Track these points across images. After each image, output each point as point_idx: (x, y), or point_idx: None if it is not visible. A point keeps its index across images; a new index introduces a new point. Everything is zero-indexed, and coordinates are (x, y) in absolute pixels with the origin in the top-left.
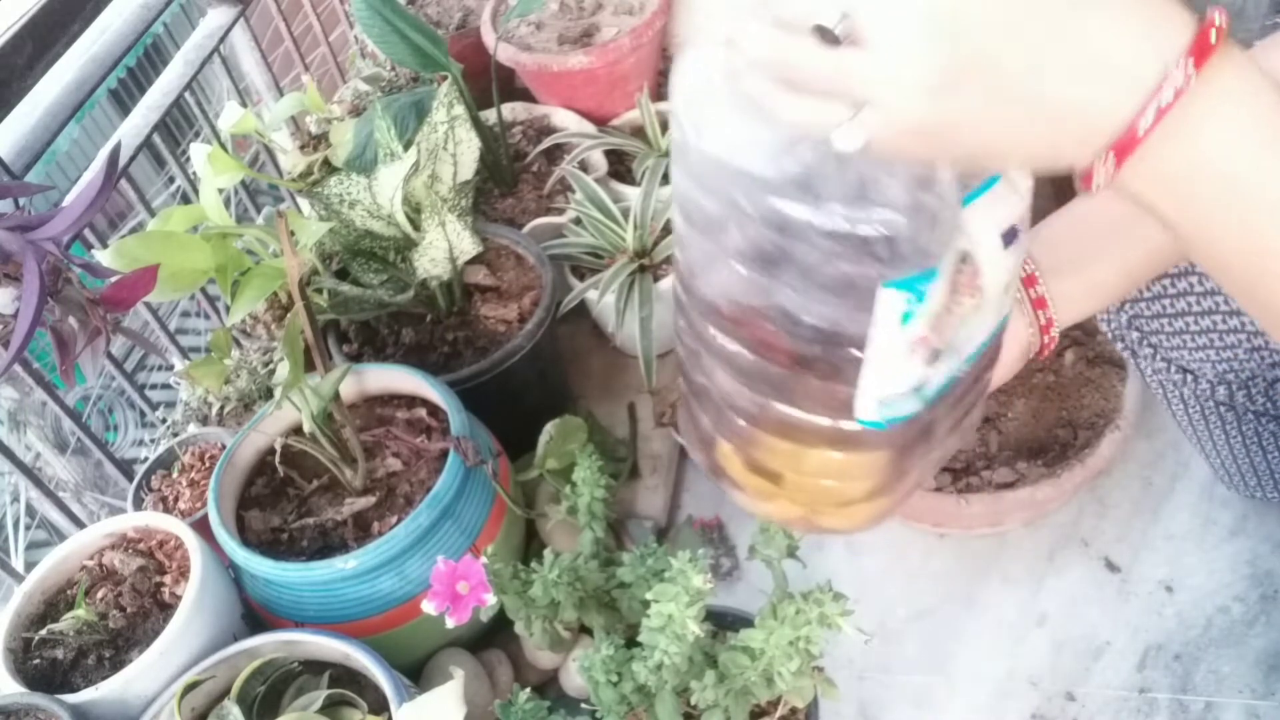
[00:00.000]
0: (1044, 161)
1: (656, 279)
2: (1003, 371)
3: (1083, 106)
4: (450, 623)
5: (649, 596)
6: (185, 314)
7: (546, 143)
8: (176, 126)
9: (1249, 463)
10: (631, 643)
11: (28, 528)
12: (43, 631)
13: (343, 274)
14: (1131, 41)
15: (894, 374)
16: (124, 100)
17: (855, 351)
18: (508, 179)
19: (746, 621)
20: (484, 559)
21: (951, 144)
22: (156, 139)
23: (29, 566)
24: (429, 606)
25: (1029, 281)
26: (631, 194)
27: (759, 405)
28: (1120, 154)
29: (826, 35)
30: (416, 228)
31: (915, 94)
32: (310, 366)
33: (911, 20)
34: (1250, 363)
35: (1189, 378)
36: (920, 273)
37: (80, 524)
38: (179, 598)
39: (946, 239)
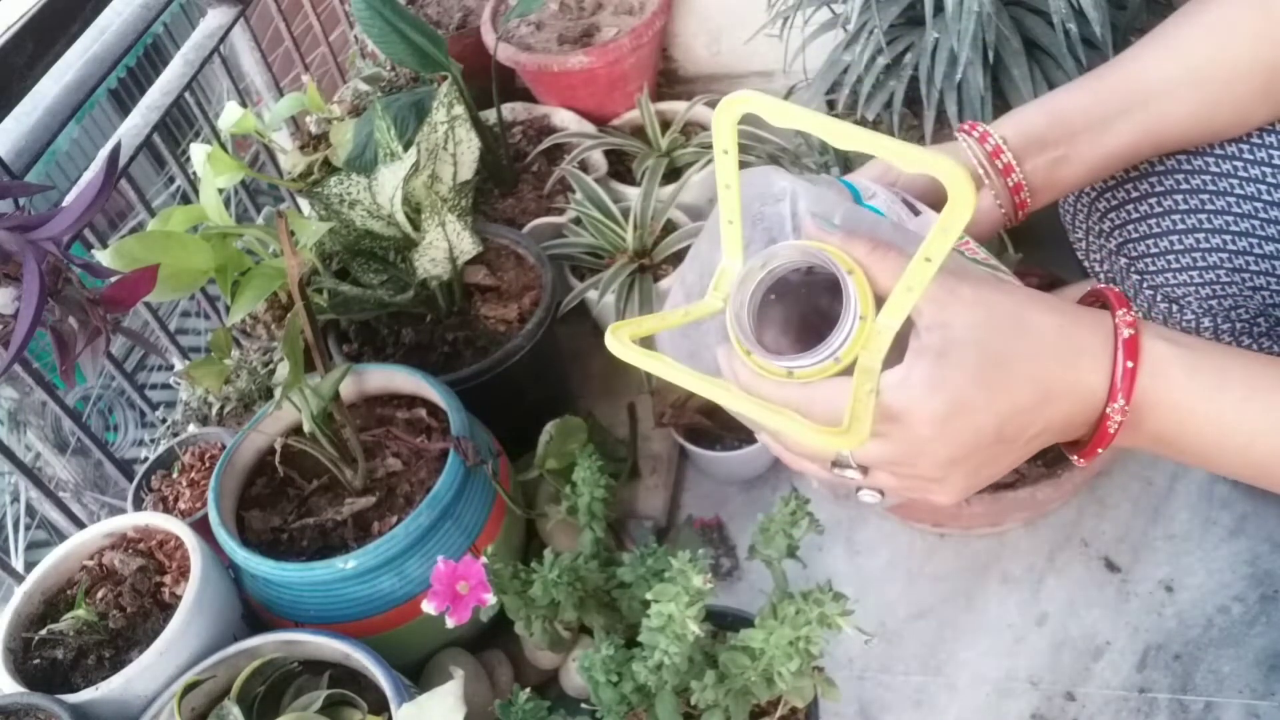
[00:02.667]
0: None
1: (656, 279)
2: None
3: (1062, 448)
4: (450, 623)
5: (649, 596)
6: (185, 314)
7: (546, 143)
8: (176, 126)
9: None
10: (631, 643)
11: (28, 528)
12: (43, 631)
13: (343, 274)
14: (1082, 405)
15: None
16: (124, 100)
17: None
18: (508, 179)
19: (746, 621)
20: (484, 559)
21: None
22: (156, 139)
23: (29, 566)
24: (429, 606)
25: (995, 153)
26: (631, 194)
27: None
28: (1087, 458)
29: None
30: (416, 228)
31: (943, 500)
32: (310, 366)
33: (932, 469)
34: (1232, 287)
35: (1175, 309)
36: None
37: (80, 524)
38: (179, 598)
39: None
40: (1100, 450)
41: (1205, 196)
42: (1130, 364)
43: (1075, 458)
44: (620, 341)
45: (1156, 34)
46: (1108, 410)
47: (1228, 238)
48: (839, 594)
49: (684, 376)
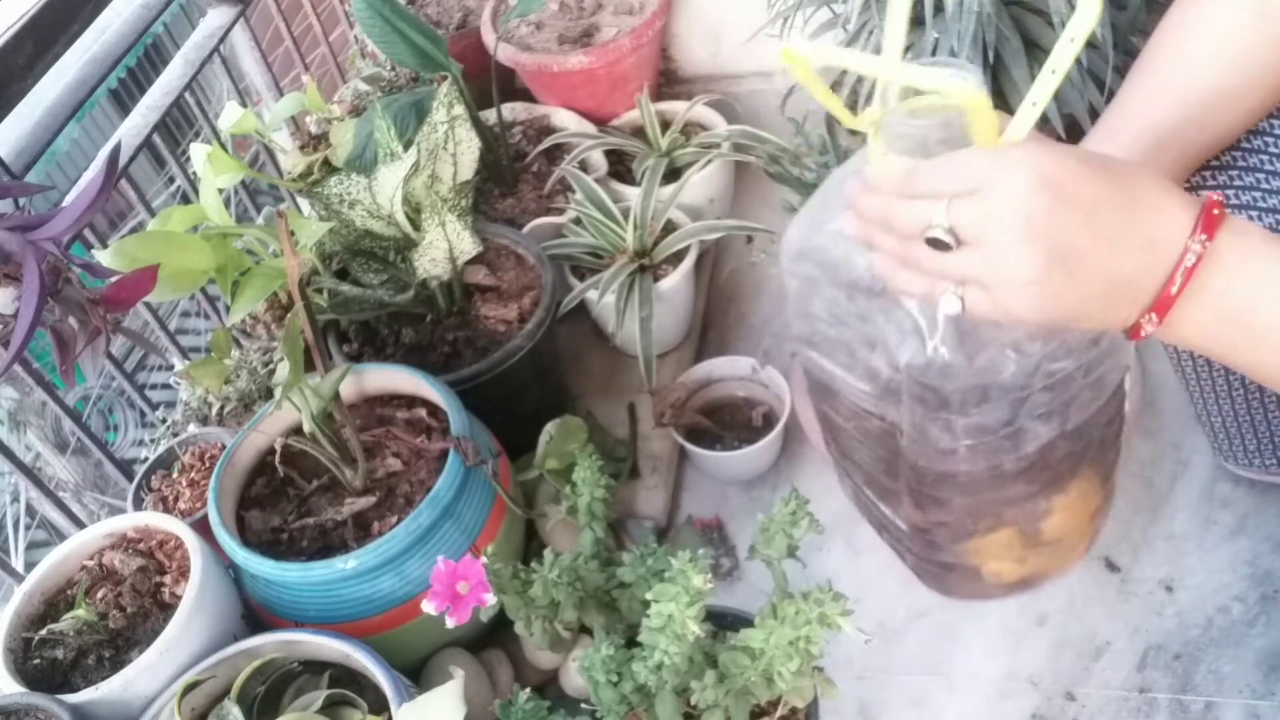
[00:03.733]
0: (1103, 324)
1: (656, 279)
2: None
3: (1137, 279)
4: (450, 623)
5: (649, 596)
6: (185, 314)
7: (546, 143)
8: (176, 126)
9: (1249, 420)
10: (631, 643)
11: (28, 528)
12: (43, 631)
13: (343, 274)
14: (1164, 228)
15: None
16: (124, 100)
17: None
18: (508, 179)
19: (746, 621)
20: (484, 559)
21: (1042, 315)
22: (156, 139)
23: (29, 566)
24: (429, 606)
25: None
26: (631, 194)
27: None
28: (1160, 312)
29: (939, 245)
30: (416, 228)
31: (1019, 285)
32: (310, 366)
33: (1013, 229)
34: None
35: None
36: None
37: (80, 524)
38: (179, 598)
39: None
40: (1174, 292)
41: (1262, 175)
42: (1216, 211)
43: (1150, 317)
44: (795, 55)
45: (1139, 76)
46: (1188, 242)
47: None
48: (839, 594)
49: (854, 59)
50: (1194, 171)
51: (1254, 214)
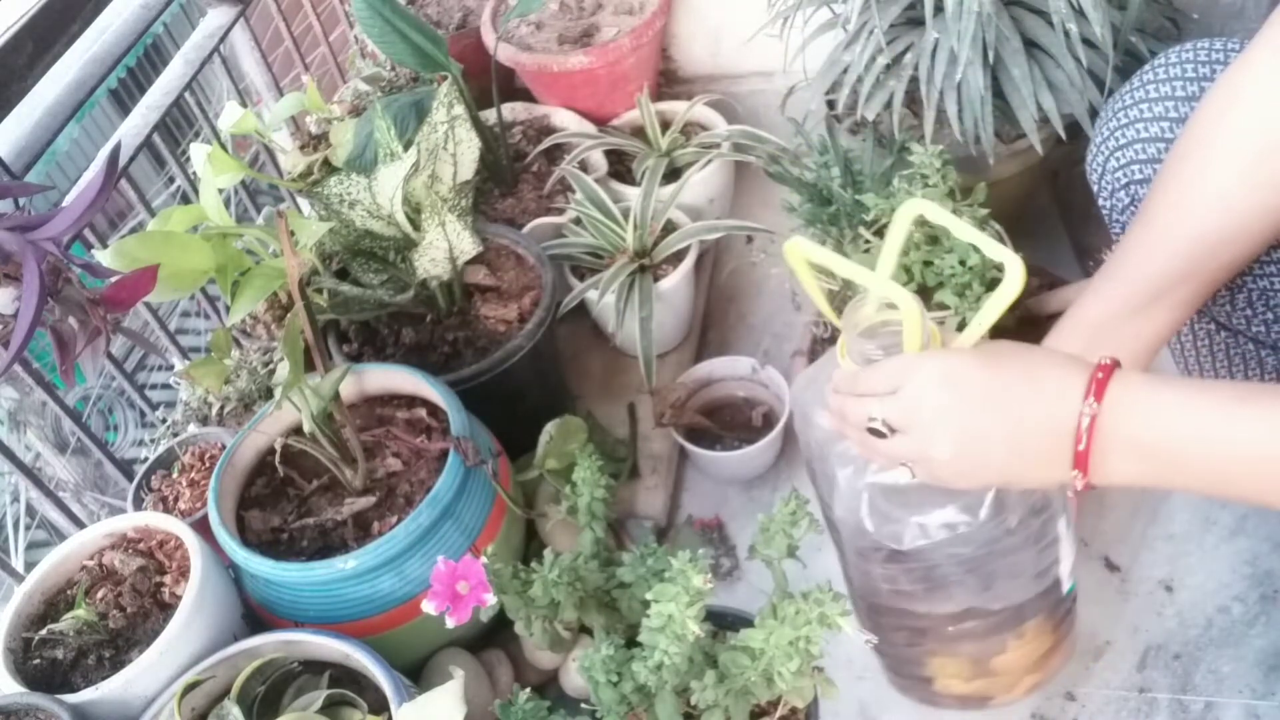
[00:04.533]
0: (1037, 484)
1: (656, 279)
2: None
3: (1048, 446)
4: (450, 623)
5: (649, 596)
6: (185, 314)
7: (546, 143)
8: (176, 126)
9: (1212, 372)
10: (631, 643)
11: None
12: (43, 631)
13: (343, 274)
14: (1059, 400)
15: (1069, 555)
16: (124, 100)
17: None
18: (508, 179)
19: (746, 622)
20: (484, 559)
21: (970, 483)
22: (156, 139)
23: (29, 566)
24: (429, 606)
25: None
26: (631, 194)
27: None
28: (1081, 468)
29: (876, 432)
30: (416, 228)
31: (941, 463)
32: (310, 366)
33: (924, 419)
34: None
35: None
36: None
37: (80, 524)
38: (179, 598)
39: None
40: (1082, 449)
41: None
42: (1101, 375)
43: (1075, 474)
44: (796, 251)
45: (1139, 227)
46: (1081, 408)
47: None
48: (839, 594)
49: (839, 263)
50: (1203, 302)
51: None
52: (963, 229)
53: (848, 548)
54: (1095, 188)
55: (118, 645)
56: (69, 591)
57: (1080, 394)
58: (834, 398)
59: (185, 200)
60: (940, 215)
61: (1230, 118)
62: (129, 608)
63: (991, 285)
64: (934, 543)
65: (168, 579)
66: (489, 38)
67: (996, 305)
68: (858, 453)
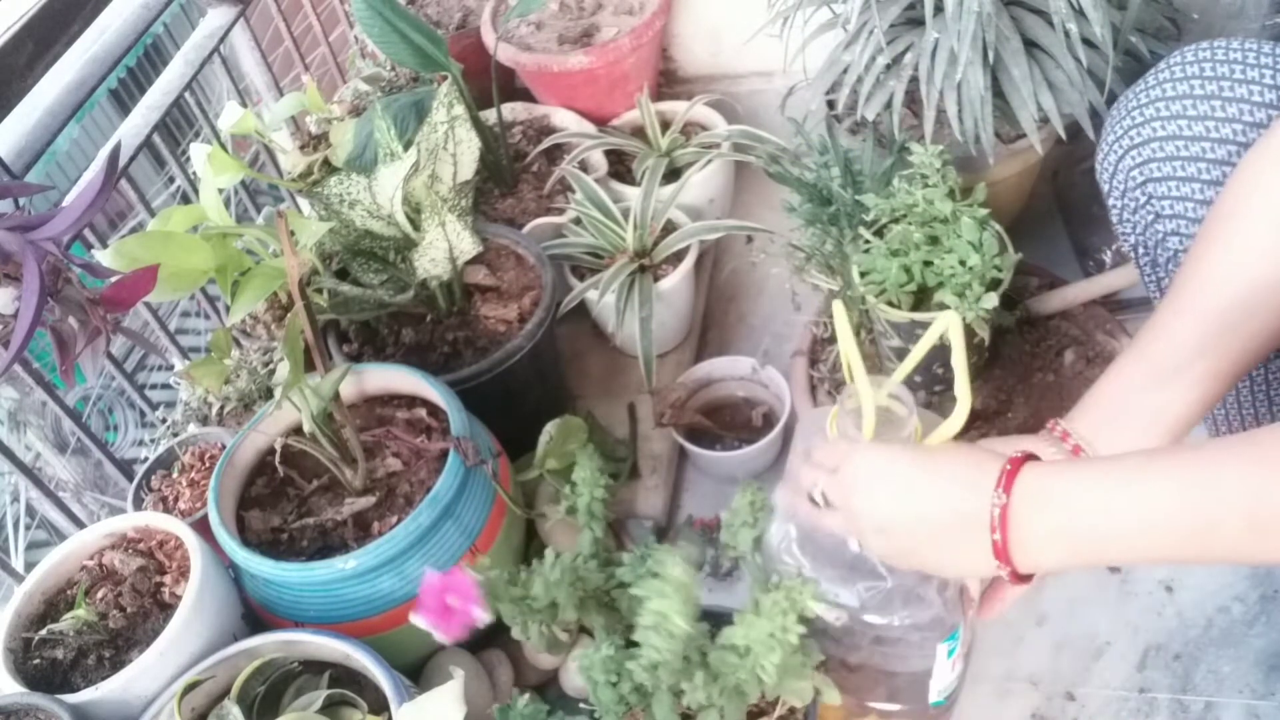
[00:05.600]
0: (962, 573)
1: (656, 279)
2: None
3: (966, 536)
4: (440, 638)
5: (637, 593)
6: (185, 314)
7: (546, 143)
8: (176, 126)
9: (1253, 413)
10: (631, 643)
11: (28, 528)
12: (43, 631)
13: (343, 274)
14: (971, 492)
15: (945, 677)
16: (124, 100)
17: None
18: (508, 179)
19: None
20: (476, 570)
21: (900, 563)
22: (156, 139)
23: (29, 566)
24: (418, 620)
25: (1064, 436)
26: (631, 194)
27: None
28: (1001, 559)
29: (817, 504)
30: (416, 228)
31: (869, 539)
32: (310, 366)
33: (849, 502)
34: None
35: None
36: (953, 632)
37: (80, 524)
38: (179, 598)
39: (961, 615)
40: (999, 539)
41: None
42: (1010, 466)
43: (998, 564)
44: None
45: (1177, 306)
46: (992, 498)
47: None
48: (808, 579)
49: (850, 345)
50: (1233, 381)
51: None
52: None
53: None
54: (1105, 188)
55: (118, 645)
56: (69, 591)
57: (990, 486)
58: (794, 459)
59: (185, 200)
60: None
61: (1259, 190)
62: (129, 608)
63: (993, 285)
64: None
65: (168, 579)
66: (489, 38)
67: (962, 367)
68: (801, 513)
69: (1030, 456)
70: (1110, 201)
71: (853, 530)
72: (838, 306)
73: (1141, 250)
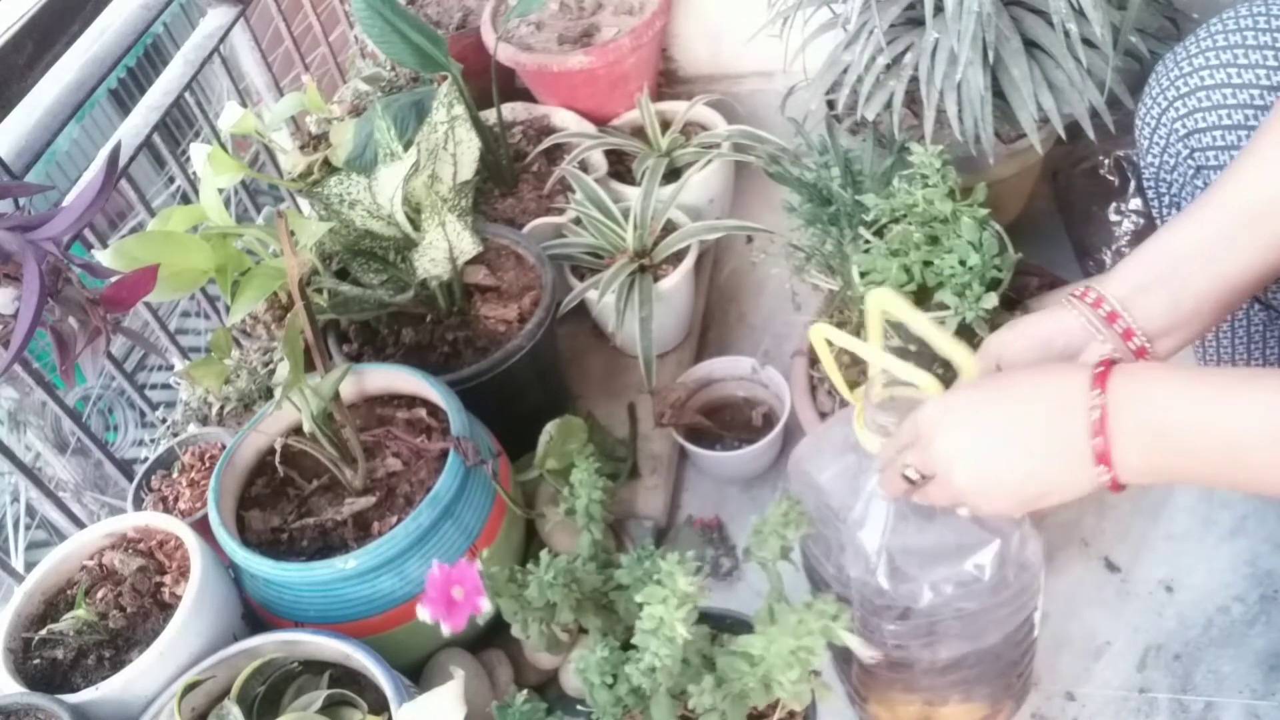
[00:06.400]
0: (1071, 490)
1: (656, 279)
2: None
3: (1064, 448)
4: (445, 630)
5: (638, 599)
6: (185, 314)
7: (546, 143)
8: (176, 126)
9: (1245, 351)
10: (628, 645)
11: (28, 528)
12: (43, 631)
13: (343, 274)
14: (1064, 398)
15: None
16: (124, 100)
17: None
18: (508, 179)
19: (745, 623)
20: (479, 564)
21: (1007, 505)
22: (156, 139)
23: (29, 566)
24: (423, 614)
25: (1111, 317)
26: (631, 194)
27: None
28: (1104, 462)
29: (912, 481)
30: (416, 228)
31: (971, 494)
32: (310, 366)
33: (941, 460)
34: None
35: None
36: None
37: (80, 524)
38: (179, 598)
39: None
40: (1101, 441)
41: None
42: (1100, 369)
43: (1100, 469)
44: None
45: (1251, 151)
46: (1088, 399)
47: None
48: (843, 606)
49: (857, 345)
50: None
51: None
52: (922, 325)
53: (859, 608)
54: (1144, 143)
55: (118, 645)
56: (69, 591)
57: (1085, 388)
58: (880, 473)
59: (185, 200)
60: (901, 310)
61: None
62: (129, 608)
63: (993, 285)
64: (945, 599)
65: (168, 579)
66: (489, 38)
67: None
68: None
69: (1113, 362)
70: (1147, 160)
71: (951, 489)
72: (815, 332)
73: (1173, 212)
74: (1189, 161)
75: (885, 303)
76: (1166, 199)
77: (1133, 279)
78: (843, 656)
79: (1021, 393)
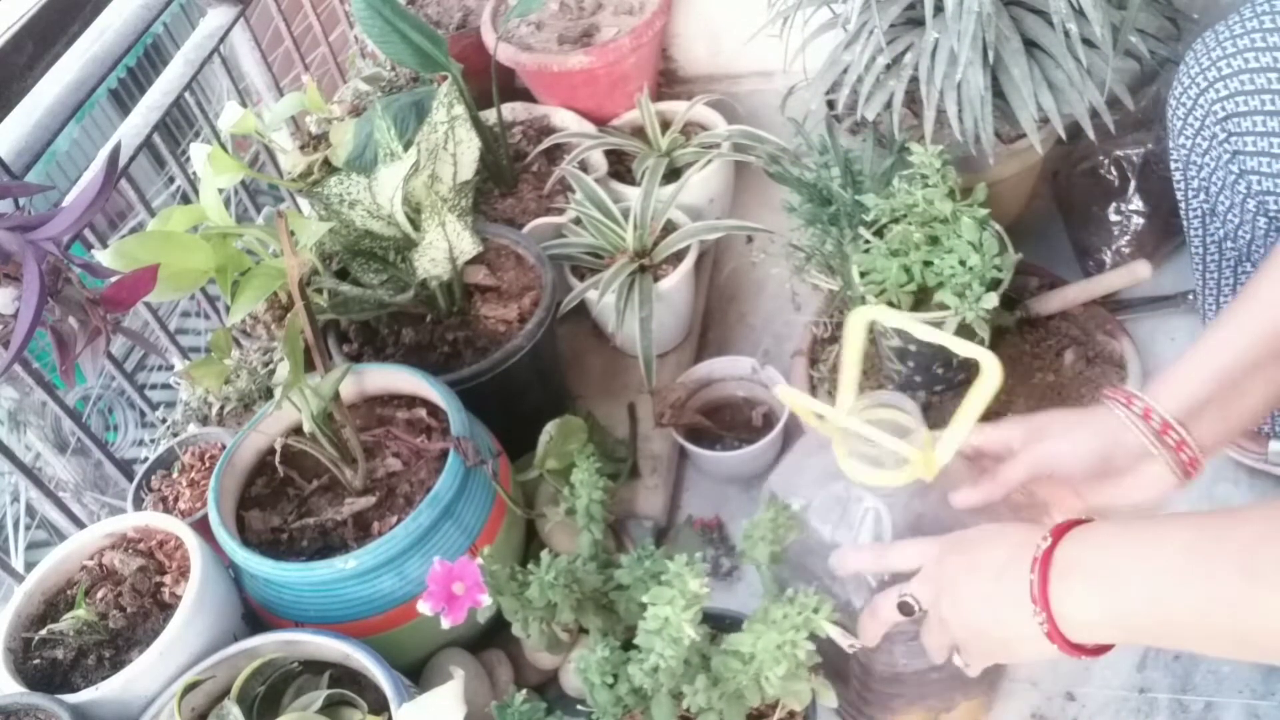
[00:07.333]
0: (1029, 646)
1: (656, 279)
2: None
3: (1017, 607)
4: (445, 624)
5: (645, 600)
6: (185, 314)
7: (546, 143)
8: (176, 126)
9: None
10: (628, 645)
11: (28, 528)
12: (43, 631)
13: (343, 274)
14: (1020, 553)
15: None
16: (124, 100)
17: None
18: (508, 179)
19: (743, 624)
20: (480, 560)
21: (984, 651)
22: (156, 139)
23: (29, 566)
24: (424, 607)
25: (1164, 429)
26: (631, 194)
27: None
28: (1044, 605)
29: (910, 611)
30: (416, 228)
31: (939, 650)
32: (310, 366)
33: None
34: None
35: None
36: None
37: (80, 524)
38: (179, 598)
39: None
40: (1036, 579)
41: None
42: (1045, 543)
43: (1037, 612)
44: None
45: None
46: (1038, 541)
47: None
48: (825, 597)
49: (909, 322)
50: None
51: None
52: (922, 330)
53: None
54: (1176, 125)
55: (118, 645)
56: (69, 591)
57: (1039, 534)
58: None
59: (185, 200)
60: (894, 318)
61: None
62: (129, 608)
63: (993, 285)
64: None
65: (168, 579)
66: (489, 38)
67: (975, 405)
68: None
69: (1066, 529)
70: (1179, 142)
71: (946, 632)
72: (858, 315)
73: (1201, 198)
74: (1225, 145)
75: (877, 315)
76: (1195, 183)
77: (1186, 395)
78: (840, 678)
79: (994, 541)
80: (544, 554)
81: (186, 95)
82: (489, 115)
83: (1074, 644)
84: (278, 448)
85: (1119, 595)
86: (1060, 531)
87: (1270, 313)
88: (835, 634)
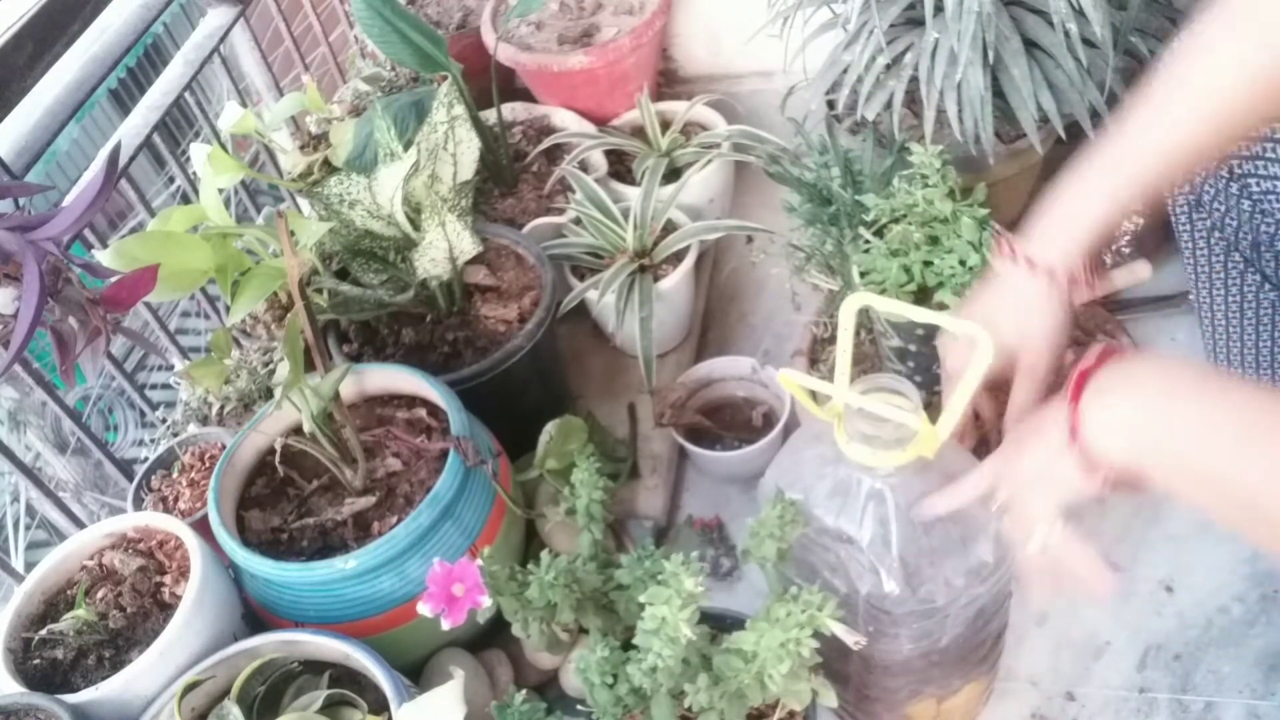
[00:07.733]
0: (1066, 478)
1: (656, 279)
2: None
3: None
4: (445, 625)
5: (642, 599)
6: (185, 314)
7: (546, 143)
8: (176, 126)
9: (1254, 333)
10: (628, 645)
11: (28, 528)
12: (43, 631)
13: (343, 274)
14: (1056, 410)
15: None
16: (124, 100)
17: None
18: (508, 179)
19: (744, 624)
20: (480, 561)
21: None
22: (156, 139)
23: (29, 566)
24: (424, 608)
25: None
26: (631, 194)
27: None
28: (1073, 415)
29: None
30: (416, 228)
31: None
32: (310, 366)
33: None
34: None
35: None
36: None
37: (80, 524)
38: (179, 598)
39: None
40: (1072, 389)
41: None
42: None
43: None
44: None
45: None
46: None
47: None
48: (829, 595)
49: (905, 308)
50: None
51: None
52: (914, 311)
53: (870, 624)
54: None
55: (118, 645)
56: (69, 591)
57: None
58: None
59: (185, 200)
60: (886, 305)
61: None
62: (129, 608)
63: None
64: (959, 591)
65: (168, 579)
66: (489, 38)
67: (972, 379)
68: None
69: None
70: None
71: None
72: (850, 301)
73: (1187, 188)
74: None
75: (868, 303)
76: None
77: (1071, 246)
78: (840, 679)
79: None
80: (544, 554)
81: (186, 95)
82: (489, 115)
83: (1091, 453)
84: (278, 448)
85: (1149, 404)
86: (1106, 353)
87: (1150, 159)
88: (840, 631)
